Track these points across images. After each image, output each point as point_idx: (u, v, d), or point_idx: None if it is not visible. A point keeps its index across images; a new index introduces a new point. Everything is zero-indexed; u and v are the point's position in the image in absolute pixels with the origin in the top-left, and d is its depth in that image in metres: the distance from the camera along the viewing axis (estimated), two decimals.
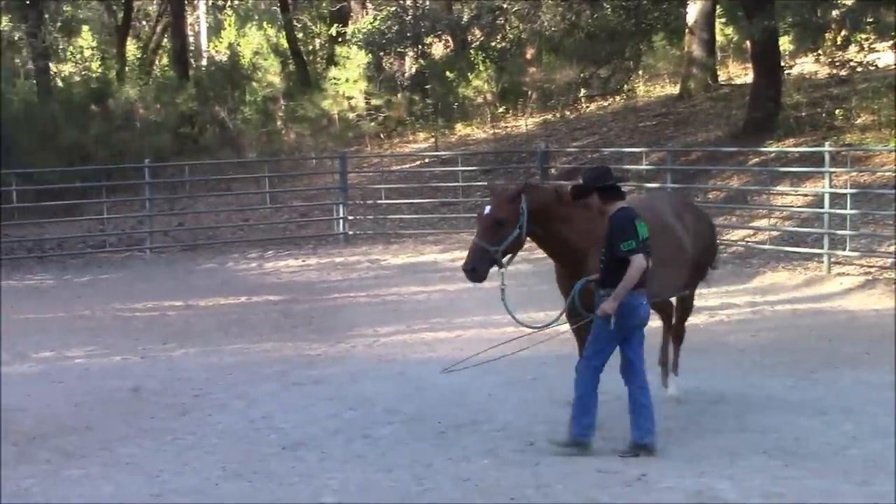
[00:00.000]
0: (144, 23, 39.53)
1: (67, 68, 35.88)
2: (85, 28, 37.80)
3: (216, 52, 41.09)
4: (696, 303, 15.86)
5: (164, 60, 37.62)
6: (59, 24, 35.17)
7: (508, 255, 9.14)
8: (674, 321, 10.63)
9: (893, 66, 24.51)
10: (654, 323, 9.56)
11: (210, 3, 45.70)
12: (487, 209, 9.14)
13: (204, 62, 39.43)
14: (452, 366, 10.28)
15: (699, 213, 10.78)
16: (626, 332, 8.55)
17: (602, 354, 8.60)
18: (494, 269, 9.08)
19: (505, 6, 27.06)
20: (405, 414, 9.97)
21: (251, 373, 12.10)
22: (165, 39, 37.56)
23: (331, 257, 21.54)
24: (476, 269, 8.98)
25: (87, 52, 35.86)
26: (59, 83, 33.13)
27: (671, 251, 9.60)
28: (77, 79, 33.22)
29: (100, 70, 33.57)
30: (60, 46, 36.88)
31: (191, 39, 41.80)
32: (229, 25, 42.76)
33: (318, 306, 16.89)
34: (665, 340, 10.64)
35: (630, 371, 8.61)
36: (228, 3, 44.43)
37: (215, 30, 45.92)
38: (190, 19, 42.13)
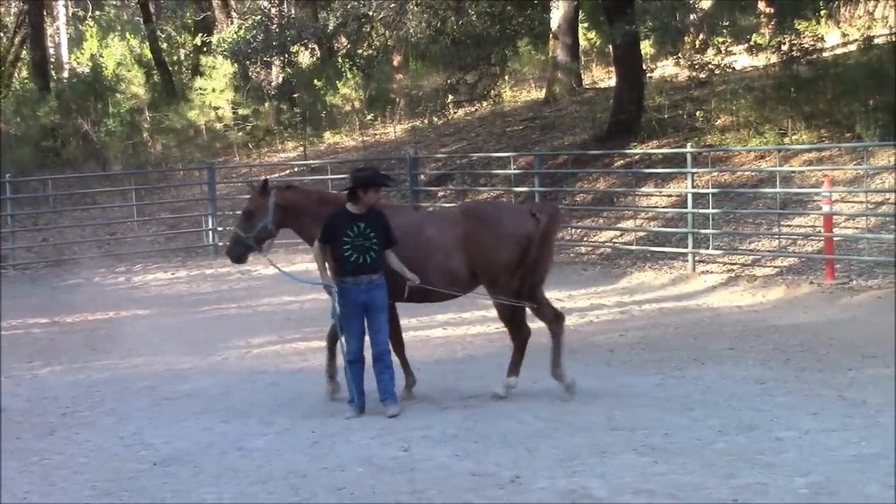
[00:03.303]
0: (2, 34, 38.56)
1: None
2: None
3: (78, 63, 40.27)
4: (567, 304, 16.25)
5: (24, 73, 36.79)
6: None
7: (266, 241, 11.05)
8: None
9: (750, 69, 25.16)
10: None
11: (70, 13, 44.80)
12: (244, 205, 11.31)
13: (65, 74, 38.63)
14: None
15: (488, 223, 10.40)
16: (353, 312, 10.01)
17: (347, 333, 10.09)
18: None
19: (370, 14, 27.04)
20: (279, 425, 9.90)
21: (120, 389, 11.89)
22: (24, 51, 36.74)
23: (200, 269, 21.31)
24: (231, 252, 11.22)
25: None
26: None
27: (415, 257, 10.30)
28: None
29: None
30: None
31: (51, 51, 40.89)
32: (91, 36, 41.96)
33: (189, 319, 16.68)
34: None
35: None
36: (89, 13, 43.64)
37: (76, 41, 44.99)
38: (50, 30, 41.23)
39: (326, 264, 10.14)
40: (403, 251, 10.20)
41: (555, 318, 10.63)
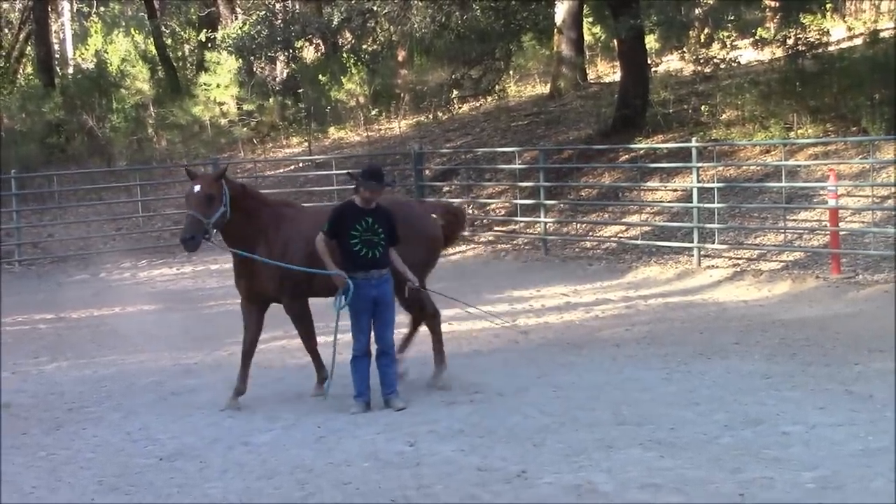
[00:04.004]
0: (6, 30, 38.61)
1: None
2: None
3: (83, 59, 40.30)
4: (572, 299, 16.26)
5: (29, 69, 36.82)
6: None
7: (214, 230, 10.33)
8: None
9: (755, 63, 25.12)
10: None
11: (75, 9, 44.83)
12: (197, 188, 10.22)
13: (70, 70, 38.66)
14: None
15: (401, 223, 10.64)
16: (359, 309, 9.99)
17: (355, 328, 10.09)
18: None
19: (375, 9, 27.05)
20: (285, 420, 9.91)
21: (127, 384, 11.90)
22: (29, 47, 36.77)
23: (206, 264, 21.28)
24: (194, 238, 10.11)
25: None
26: None
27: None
28: None
29: None
30: None
31: (56, 47, 40.92)
32: (95, 32, 41.95)
33: (195, 314, 16.69)
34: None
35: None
36: (94, 9, 43.64)
37: (81, 37, 45.01)
38: (54, 26, 41.27)
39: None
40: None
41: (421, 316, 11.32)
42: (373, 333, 10.20)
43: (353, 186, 10.27)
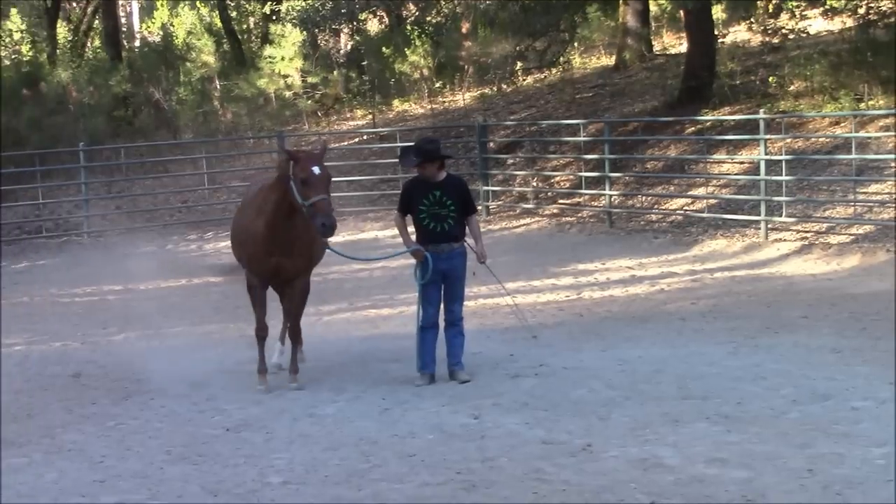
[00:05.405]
0: (75, 4, 38.96)
1: None
2: (13, 11, 37.15)
3: (149, 32, 40.61)
4: (638, 272, 16.20)
5: (97, 42, 37.16)
6: None
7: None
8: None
9: (825, 33, 24.73)
10: None
11: None
12: (318, 170, 9.48)
13: (137, 43, 38.96)
14: None
15: None
16: (432, 280, 10.01)
17: (423, 300, 10.15)
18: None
19: None
20: (350, 392, 9.95)
21: (193, 355, 12.01)
22: (97, 21, 37.09)
23: None
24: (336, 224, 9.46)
25: (17, 36, 35.29)
26: None
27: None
28: (7, 63, 32.64)
29: (31, 53, 33.07)
30: None
31: (122, 20, 41.26)
32: (161, 5, 42.23)
33: None
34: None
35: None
36: None
37: (147, 10, 45.36)
38: (121, 0, 41.60)
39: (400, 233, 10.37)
40: None
41: None
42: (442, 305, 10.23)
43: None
